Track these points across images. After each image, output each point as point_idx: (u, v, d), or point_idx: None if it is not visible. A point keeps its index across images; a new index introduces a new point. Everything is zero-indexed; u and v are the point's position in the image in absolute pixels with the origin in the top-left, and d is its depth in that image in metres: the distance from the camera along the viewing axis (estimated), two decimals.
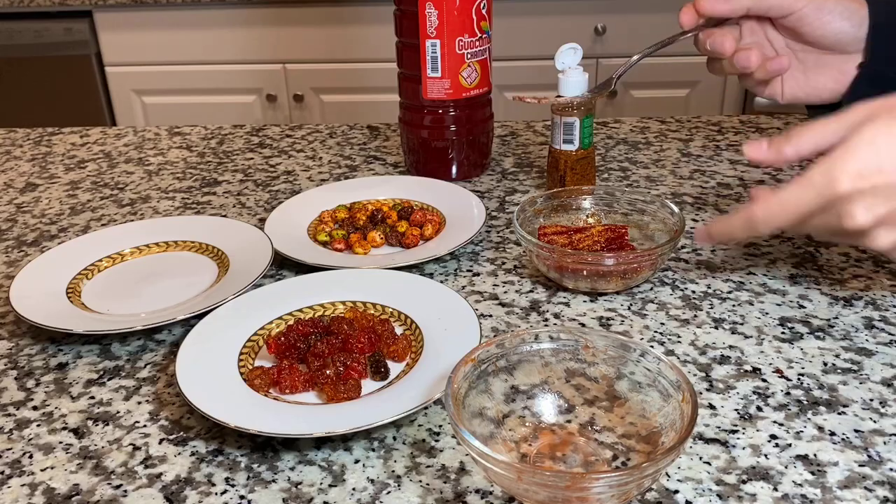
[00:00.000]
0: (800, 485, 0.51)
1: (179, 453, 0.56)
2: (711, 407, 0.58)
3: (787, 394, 0.59)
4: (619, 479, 0.43)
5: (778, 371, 0.61)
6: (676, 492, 0.51)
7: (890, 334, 0.65)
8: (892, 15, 0.72)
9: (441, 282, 0.74)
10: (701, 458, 0.53)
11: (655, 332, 0.67)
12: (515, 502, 0.50)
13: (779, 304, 0.70)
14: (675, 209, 0.75)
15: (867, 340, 0.65)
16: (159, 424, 0.59)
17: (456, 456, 0.54)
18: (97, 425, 0.59)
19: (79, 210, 0.95)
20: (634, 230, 0.78)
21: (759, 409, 0.58)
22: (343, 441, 0.56)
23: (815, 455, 0.53)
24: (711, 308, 0.70)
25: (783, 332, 0.66)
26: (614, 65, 2.05)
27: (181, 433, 0.58)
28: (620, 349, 0.54)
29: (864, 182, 0.53)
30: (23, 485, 0.54)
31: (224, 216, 0.91)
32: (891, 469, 0.52)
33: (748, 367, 0.62)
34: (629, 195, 0.80)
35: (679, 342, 0.66)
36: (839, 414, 0.57)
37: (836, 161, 0.54)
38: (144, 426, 0.59)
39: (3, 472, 0.55)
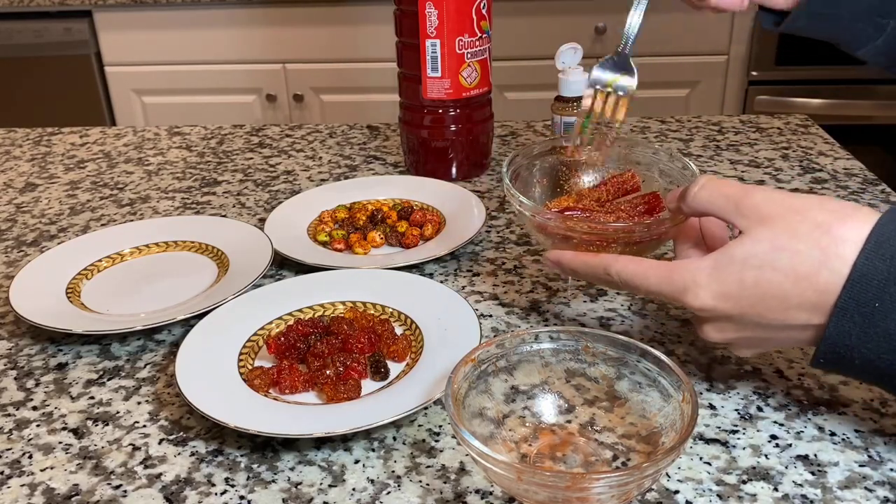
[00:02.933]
0: (800, 485, 0.51)
1: (179, 453, 0.56)
2: (712, 407, 0.58)
3: (788, 394, 0.59)
4: (619, 480, 0.43)
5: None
6: (677, 492, 0.51)
7: None
8: None
9: (441, 282, 0.74)
10: (701, 459, 0.53)
11: (655, 332, 0.67)
12: (515, 502, 0.50)
13: None
14: (692, 167, 0.67)
15: None
16: (159, 424, 0.59)
17: (456, 456, 0.54)
18: (97, 425, 0.59)
19: (78, 210, 0.95)
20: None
21: (759, 409, 0.58)
22: (343, 441, 0.56)
23: (815, 455, 0.53)
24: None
25: None
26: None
27: (181, 433, 0.58)
28: (620, 349, 0.53)
29: (722, 306, 0.50)
30: (22, 485, 0.54)
31: (224, 216, 0.91)
32: (891, 469, 0.52)
33: (748, 368, 0.62)
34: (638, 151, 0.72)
35: (679, 342, 0.66)
36: (839, 414, 0.57)
37: (701, 276, 0.50)
38: (144, 426, 0.59)
39: (2, 473, 0.55)
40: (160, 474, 0.54)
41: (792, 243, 0.47)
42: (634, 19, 0.76)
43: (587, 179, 0.72)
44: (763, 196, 0.49)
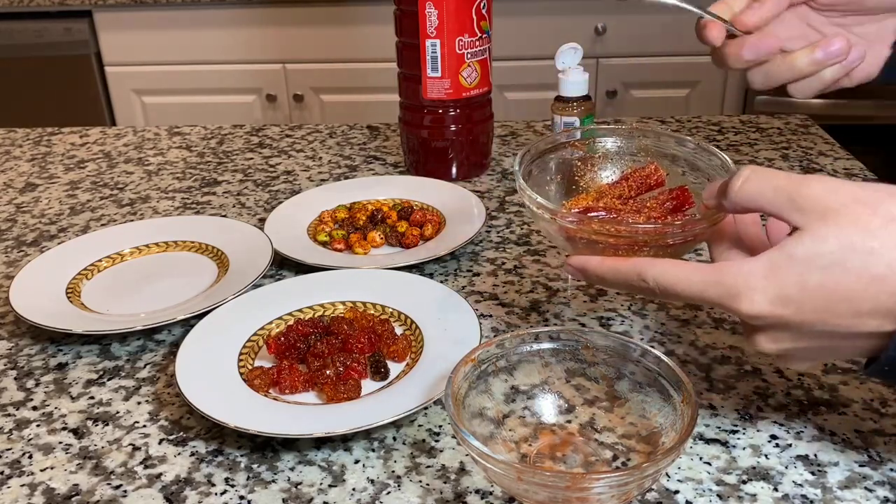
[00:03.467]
0: (800, 485, 0.51)
1: (179, 453, 0.56)
2: (712, 407, 0.58)
3: (788, 394, 0.59)
4: (619, 480, 0.43)
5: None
6: (677, 492, 0.51)
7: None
8: None
9: (441, 282, 0.74)
10: (701, 459, 0.53)
11: (655, 332, 0.67)
12: (515, 503, 0.50)
13: None
14: (723, 157, 0.59)
15: None
16: (159, 425, 0.59)
17: (456, 456, 0.54)
18: (97, 425, 0.59)
19: (78, 210, 0.95)
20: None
21: (759, 409, 0.58)
22: (343, 441, 0.56)
23: (815, 455, 0.53)
24: (711, 308, 0.70)
25: None
26: (614, 65, 2.05)
27: (181, 433, 0.58)
28: (620, 349, 0.53)
29: (780, 312, 0.44)
30: (22, 485, 0.54)
31: (224, 216, 0.91)
32: (891, 469, 0.52)
33: (748, 368, 0.62)
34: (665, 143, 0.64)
35: (679, 342, 0.66)
36: (839, 414, 0.57)
37: (756, 279, 0.44)
38: (144, 426, 0.59)
39: (2, 473, 0.55)
40: (160, 474, 0.54)
41: (864, 241, 0.41)
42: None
43: (605, 175, 0.65)
44: (823, 186, 0.43)
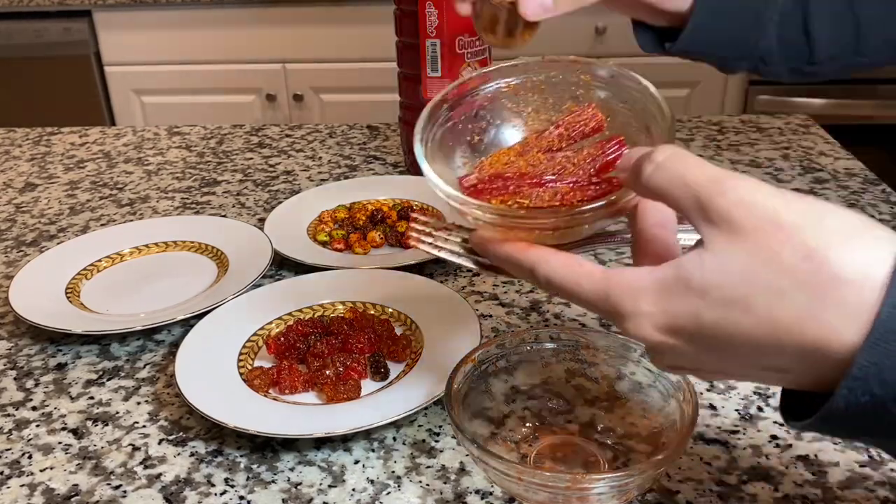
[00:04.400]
0: (800, 485, 0.51)
1: (179, 454, 0.56)
2: (712, 407, 0.58)
3: None
4: (619, 480, 0.43)
5: None
6: (677, 492, 0.51)
7: None
8: None
9: (441, 282, 0.74)
10: (702, 459, 0.53)
11: None
12: (515, 503, 0.50)
13: None
14: (664, 104, 0.46)
15: None
16: (159, 425, 0.59)
17: (456, 456, 0.54)
18: (96, 426, 0.59)
19: (78, 210, 0.95)
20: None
21: (759, 409, 0.58)
22: (343, 441, 0.56)
23: (815, 455, 0.53)
24: None
25: None
26: (617, 64, 2.04)
27: (180, 433, 0.58)
28: (621, 349, 0.53)
29: (670, 342, 0.37)
30: (22, 485, 0.54)
31: (223, 216, 0.91)
32: (891, 469, 0.52)
33: None
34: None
35: None
36: None
37: (644, 301, 0.37)
38: (144, 426, 0.59)
39: (2, 473, 0.55)
40: (160, 474, 0.54)
41: (771, 277, 0.34)
42: None
43: (538, 120, 0.52)
44: (739, 197, 0.35)
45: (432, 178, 0.45)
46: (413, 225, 0.49)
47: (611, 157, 0.45)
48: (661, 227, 0.42)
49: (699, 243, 0.36)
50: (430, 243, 0.49)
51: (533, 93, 0.51)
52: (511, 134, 0.51)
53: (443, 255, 0.48)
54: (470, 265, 0.48)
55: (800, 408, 0.38)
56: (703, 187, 0.36)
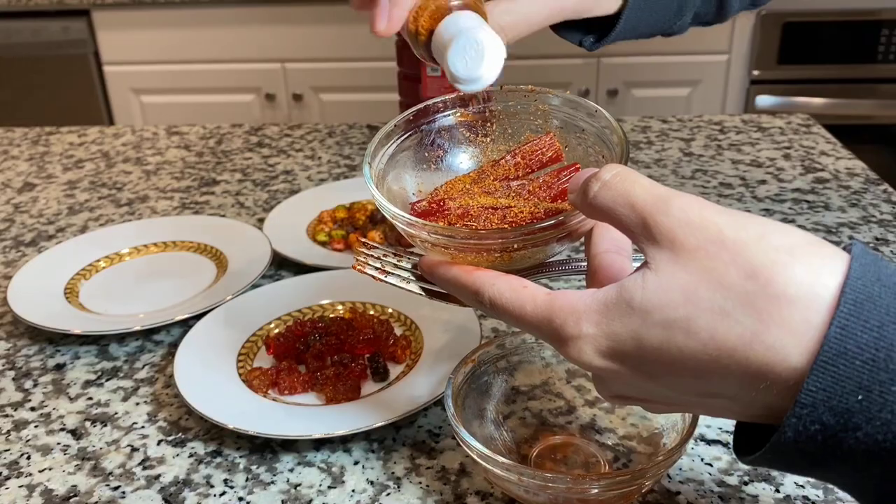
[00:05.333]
0: (801, 486, 0.51)
1: (178, 454, 0.56)
2: None
3: None
4: (620, 481, 0.43)
5: None
6: (678, 493, 0.50)
7: None
8: None
9: None
10: (702, 460, 0.53)
11: None
12: None
13: None
14: (618, 130, 0.45)
15: None
16: (157, 425, 0.59)
17: (456, 457, 0.54)
18: (95, 426, 0.59)
19: (77, 210, 0.95)
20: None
21: None
22: (342, 442, 0.56)
23: None
24: None
25: None
26: (616, 64, 2.04)
27: (179, 434, 0.58)
28: None
29: (613, 367, 0.36)
30: (20, 486, 0.54)
31: (222, 216, 0.91)
32: None
33: None
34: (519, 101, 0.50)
35: None
36: None
37: (586, 324, 0.36)
38: (143, 427, 0.59)
39: (0, 474, 0.55)
40: (159, 475, 0.54)
41: (714, 297, 0.33)
42: None
43: (496, 150, 0.51)
44: (683, 216, 0.34)
45: (379, 199, 0.44)
46: (360, 249, 0.48)
47: (566, 184, 0.45)
48: (615, 252, 0.41)
49: (644, 264, 0.35)
50: (378, 268, 0.48)
51: (491, 122, 0.51)
52: (467, 163, 0.51)
53: (389, 280, 0.47)
54: (417, 291, 0.47)
55: (751, 440, 0.36)
56: (649, 206, 0.35)
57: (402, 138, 0.50)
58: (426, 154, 0.50)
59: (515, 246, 0.41)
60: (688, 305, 0.33)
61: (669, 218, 0.34)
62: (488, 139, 0.51)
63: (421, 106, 0.50)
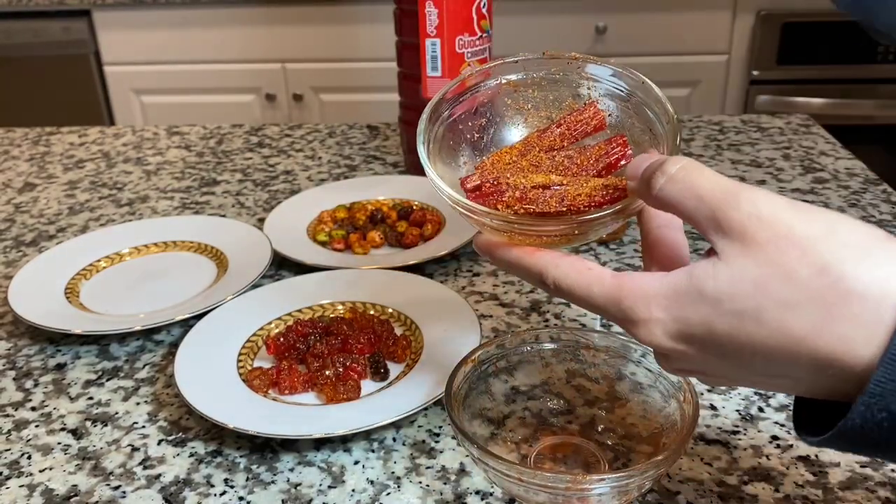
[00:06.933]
0: (801, 486, 0.51)
1: (178, 454, 0.56)
2: (713, 408, 0.58)
3: (789, 394, 0.59)
4: (619, 481, 0.43)
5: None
6: (678, 493, 0.51)
7: None
8: None
9: (441, 282, 0.74)
10: (702, 459, 0.53)
11: None
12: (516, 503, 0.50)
13: None
14: (669, 108, 0.45)
15: None
16: (158, 425, 0.59)
17: (456, 457, 0.54)
18: (96, 426, 0.59)
19: (77, 210, 0.95)
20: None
21: (760, 409, 0.58)
22: (342, 442, 0.56)
23: (816, 456, 0.53)
24: None
25: None
26: (615, 64, 2.04)
27: (180, 434, 0.58)
28: (621, 350, 0.53)
29: (681, 348, 0.38)
30: (21, 486, 0.54)
31: (223, 216, 0.91)
32: (892, 470, 0.52)
33: None
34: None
35: None
36: None
37: (656, 308, 0.37)
38: (143, 427, 0.59)
39: (1, 473, 0.55)
40: (159, 475, 0.54)
41: (785, 290, 0.34)
42: None
43: (538, 117, 0.51)
44: (754, 210, 0.35)
45: (438, 183, 0.44)
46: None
47: (614, 157, 0.45)
48: (667, 227, 0.42)
49: (711, 252, 0.36)
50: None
51: (533, 89, 0.50)
52: (512, 132, 0.51)
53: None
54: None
55: (813, 419, 0.38)
56: (717, 199, 0.36)
57: (448, 111, 0.50)
58: (470, 124, 0.50)
59: (576, 232, 0.43)
60: (758, 297, 0.34)
61: (739, 212, 0.35)
62: (529, 105, 0.51)
63: (462, 77, 0.50)
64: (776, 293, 0.34)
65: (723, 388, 0.59)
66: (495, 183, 0.46)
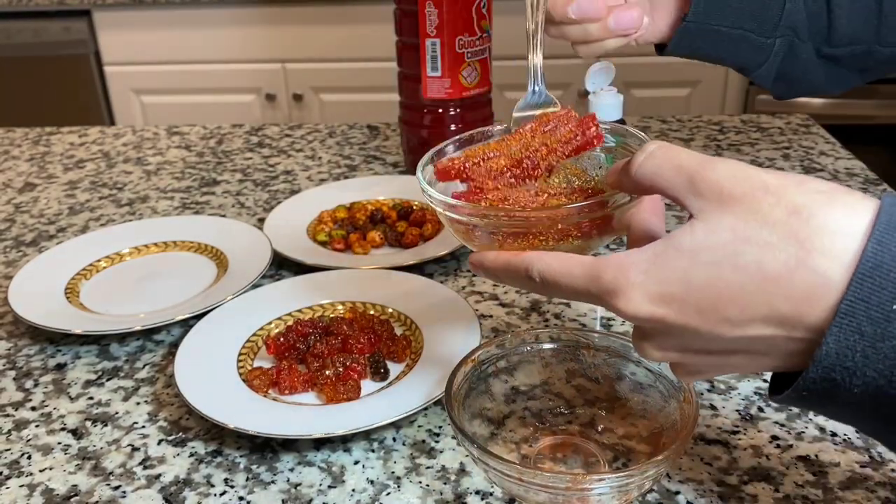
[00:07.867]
0: (801, 486, 0.51)
1: (178, 454, 0.56)
2: (712, 408, 0.58)
3: None
4: (619, 481, 0.43)
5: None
6: (677, 493, 0.51)
7: None
8: None
9: (441, 282, 0.74)
10: (702, 459, 0.53)
11: None
12: (516, 503, 0.50)
13: None
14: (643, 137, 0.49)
15: None
16: (158, 425, 0.59)
17: (456, 457, 0.54)
18: (96, 426, 0.59)
19: (77, 210, 0.95)
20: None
21: (760, 409, 0.58)
22: (342, 442, 0.56)
23: (816, 456, 0.53)
24: None
25: None
26: (615, 64, 2.04)
27: (180, 434, 0.58)
28: (621, 350, 0.53)
29: (660, 312, 0.38)
30: (21, 485, 0.54)
31: (223, 216, 0.91)
32: (892, 470, 0.52)
33: None
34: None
35: None
36: None
37: (635, 273, 0.38)
38: (143, 427, 0.59)
39: (1, 473, 0.55)
40: (159, 475, 0.54)
41: (760, 233, 0.35)
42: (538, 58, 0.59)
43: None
44: (728, 171, 0.37)
45: (426, 188, 0.48)
46: None
47: (590, 135, 0.48)
48: (651, 213, 0.44)
49: (690, 218, 0.38)
50: None
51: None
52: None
53: None
54: None
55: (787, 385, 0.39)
56: (694, 165, 0.38)
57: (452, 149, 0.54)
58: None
59: (559, 226, 0.44)
60: (736, 242, 0.36)
61: (716, 173, 0.37)
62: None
63: (472, 132, 0.55)
64: (754, 237, 0.36)
65: (719, 382, 0.59)
66: (476, 189, 0.48)
